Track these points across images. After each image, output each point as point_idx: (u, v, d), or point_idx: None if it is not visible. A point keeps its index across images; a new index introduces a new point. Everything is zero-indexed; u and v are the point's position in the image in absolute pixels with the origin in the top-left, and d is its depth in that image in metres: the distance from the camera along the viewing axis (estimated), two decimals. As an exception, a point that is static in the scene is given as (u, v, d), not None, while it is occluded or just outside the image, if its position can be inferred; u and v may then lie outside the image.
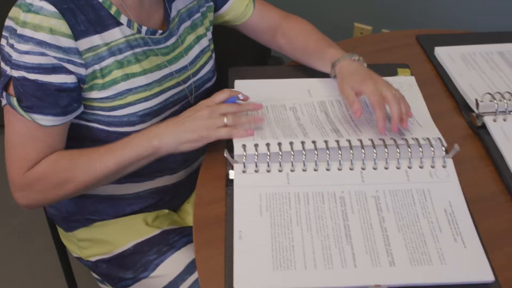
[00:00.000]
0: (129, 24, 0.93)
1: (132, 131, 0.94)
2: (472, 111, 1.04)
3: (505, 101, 0.99)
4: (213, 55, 1.12)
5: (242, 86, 1.07)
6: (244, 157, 0.88)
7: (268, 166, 0.88)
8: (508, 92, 1.02)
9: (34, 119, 0.86)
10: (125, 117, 0.93)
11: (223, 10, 1.14)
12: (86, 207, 1.06)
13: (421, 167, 0.89)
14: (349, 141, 0.90)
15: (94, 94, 0.90)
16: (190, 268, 1.01)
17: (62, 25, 0.83)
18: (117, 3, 0.91)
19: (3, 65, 0.87)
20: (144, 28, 0.95)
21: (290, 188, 0.86)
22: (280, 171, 0.88)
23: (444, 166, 0.89)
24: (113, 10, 0.90)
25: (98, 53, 0.88)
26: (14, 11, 0.85)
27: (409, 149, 0.89)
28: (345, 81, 0.98)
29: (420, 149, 0.89)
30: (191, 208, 1.17)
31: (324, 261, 0.76)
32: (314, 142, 0.90)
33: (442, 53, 1.19)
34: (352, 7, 2.06)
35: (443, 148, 0.90)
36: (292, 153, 0.88)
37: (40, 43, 0.83)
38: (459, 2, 1.89)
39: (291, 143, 0.90)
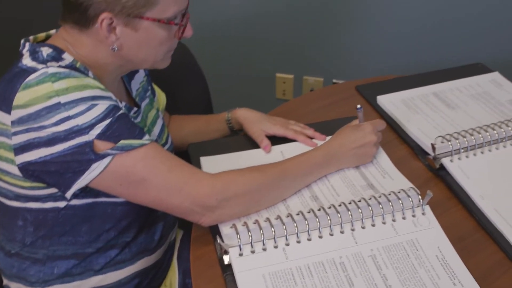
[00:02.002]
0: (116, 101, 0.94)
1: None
2: (428, 154, 1.11)
3: (457, 141, 1.08)
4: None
5: (210, 162, 1.07)
6: (238, 239, 0.88)
7: (264, 244, 0.88)
8: (456, 132, 1.10)
9: (150, 139, 0.88)
10: None
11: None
12: None
13: (403, 218, 0.94)
14: (334, 206, 0.93)
15: None
16: None
17: (95, 82, 0.86)
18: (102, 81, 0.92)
19: (76, 143, 0.82)
20: (123, 103, 0.96)
21: (290, 263, 0.87)
22: (276, 247, 0.89)
23: (423, 214, 0.95)
24: (103, 87, 0.90)
25: None
26: (38, 91, 0.81)
27: (390, 203, 0.94)
28: (256, 125, 1.17)
29: (400, 201, 0.94)
30: None
31: None
32: (301, 212, 0.92)
33: (385, 101, 1.27)
34: (272, 58, 2.14)
35: (419, 197, 0.96)
36: (284, 227, 0.89)
37: (94, 97, 0.83)
38: (372, 45, 2.03)
39: (279, 217, 0.91)
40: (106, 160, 0.84)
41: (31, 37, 0.93)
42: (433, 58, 1.97)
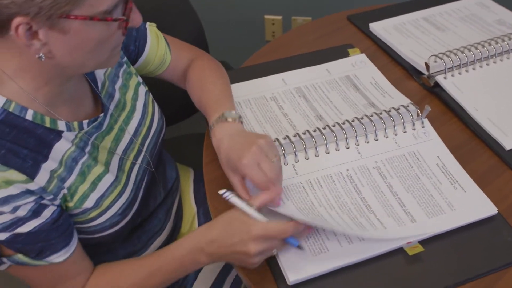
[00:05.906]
0: (69, 128, 0.81)
1: (115, 230, 0.89)
2: (422, 73, 1.16)
3: (449, 59, 1.12)
4: (152, 97, 1.02)
5: None
6: (250, 160, 0.92)
7: (275, 162, 0.93)
8: (449, 51, 1.15)
9: (51, 261, 0.79)
10: (107, 221, 0.86)
11: (138, 64, 1.05)
12: None
13: (404, 132, 0.99)
14: (338, 123, 0.97)
15: (71, 212, 0.83)
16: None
17: (12, 174, 0.72)
18: (47, 112, 0.79)
19: None
20: (85, 122, 0.84)
21: (300, 178, 0.92)
22: (286, 164, 0.94)
23: (423, 127, 1.00)
24: (47, 122, 0.78)
25: (58, 176, 0.78)
26: None
27: (391, 118, 0.98)
28: (225, 163, 0.88)
29: (400, 116, 0.99)
30: None
31: (356, 227, 0.83)
32: (308, 131, 0.96)
33: (377, 27, 1.30)
34: (260, 0, 2.15)
35: (418, 111, 1.01)
36: (293, 145, 0.94)
37: (6, 199, 0.72)
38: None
39: (287, 137, 0.95)
40: (3, 266, 0.79)
41: None
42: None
